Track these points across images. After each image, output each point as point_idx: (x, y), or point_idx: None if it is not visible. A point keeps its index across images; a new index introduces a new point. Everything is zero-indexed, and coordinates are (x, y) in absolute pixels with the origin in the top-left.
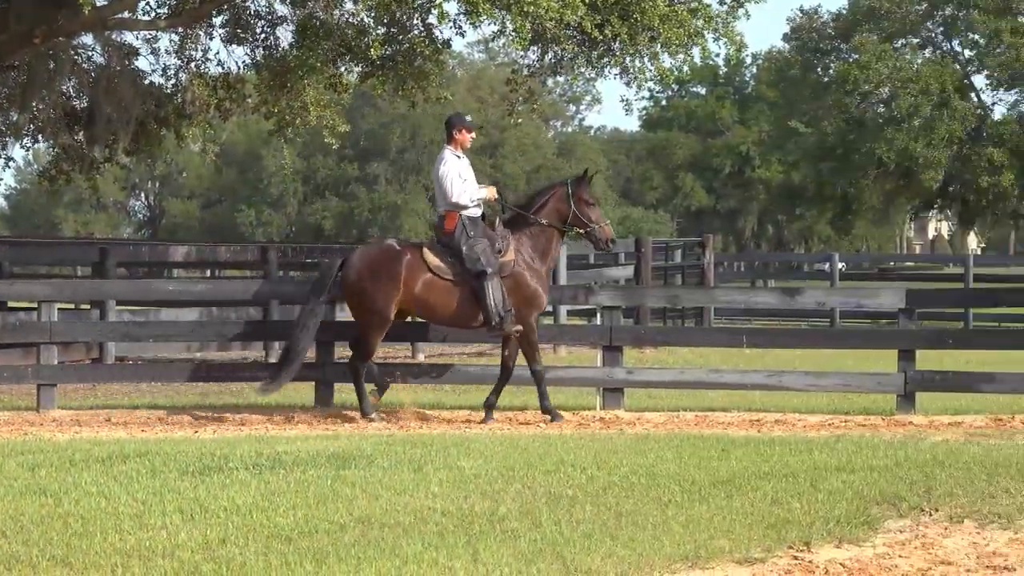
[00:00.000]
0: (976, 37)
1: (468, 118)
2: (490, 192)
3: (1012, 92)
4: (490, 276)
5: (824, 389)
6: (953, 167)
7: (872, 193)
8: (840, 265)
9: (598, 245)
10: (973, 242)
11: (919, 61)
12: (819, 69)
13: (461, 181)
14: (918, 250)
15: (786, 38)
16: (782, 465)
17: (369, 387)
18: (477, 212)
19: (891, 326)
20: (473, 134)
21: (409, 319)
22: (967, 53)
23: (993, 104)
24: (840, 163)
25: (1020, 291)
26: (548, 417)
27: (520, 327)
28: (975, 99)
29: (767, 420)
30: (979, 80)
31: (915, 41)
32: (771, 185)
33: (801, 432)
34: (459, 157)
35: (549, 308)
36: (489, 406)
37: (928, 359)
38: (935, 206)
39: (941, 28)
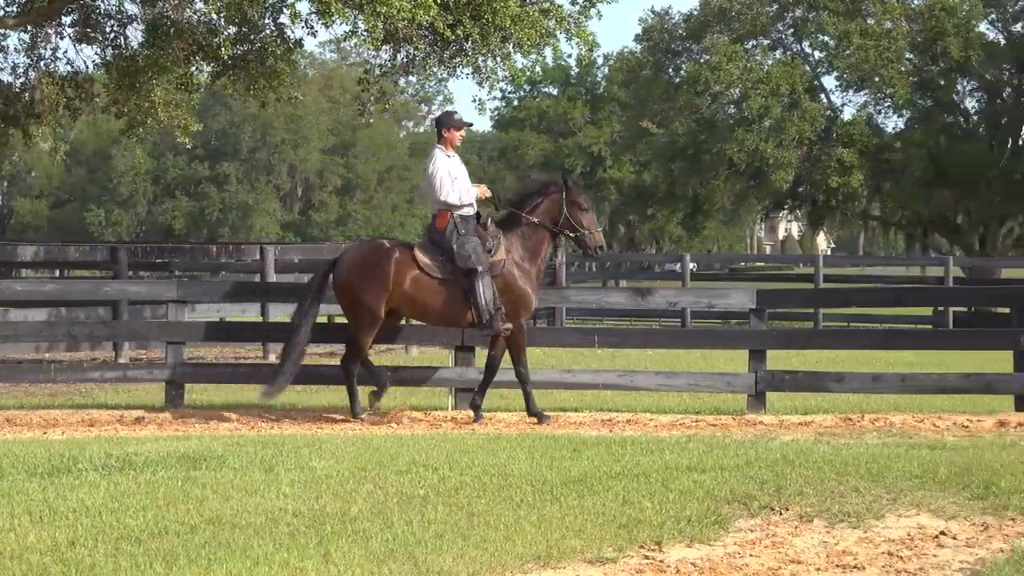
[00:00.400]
0: (826, 39)
1: (457, 116)
2: (481, 190)
3: (861, 93)
4: (480, 274)
5: (675, 389)
6: (803, 168)
7: (723, 193)
8: (691, 265)
9: (587, 251)
10: (823, 242)
11: (769, 62)
12: (670, 70)
13: (451, 179)
14: (768, 250)
15: (638, 39)
16: (634, 465)
17: (369, 388)
18: (470, 211)
19: (742, 326)
20: (462, 132)
21: (404, 321)
22: (817, 55)
23: (843, 105)
24: (691, 163)
25: (869, 291)
26: (535, 420)
27: (510, 326)
28: (825, 100)
29: (619, 420)
30: (829, 81)
31: (765, 42)
32: (622, 185)
33: (653, 432)
34: (449, 156)
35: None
36: (475, 406)
37: (779, 359)
38: (785, 206)
39: (791, 30)
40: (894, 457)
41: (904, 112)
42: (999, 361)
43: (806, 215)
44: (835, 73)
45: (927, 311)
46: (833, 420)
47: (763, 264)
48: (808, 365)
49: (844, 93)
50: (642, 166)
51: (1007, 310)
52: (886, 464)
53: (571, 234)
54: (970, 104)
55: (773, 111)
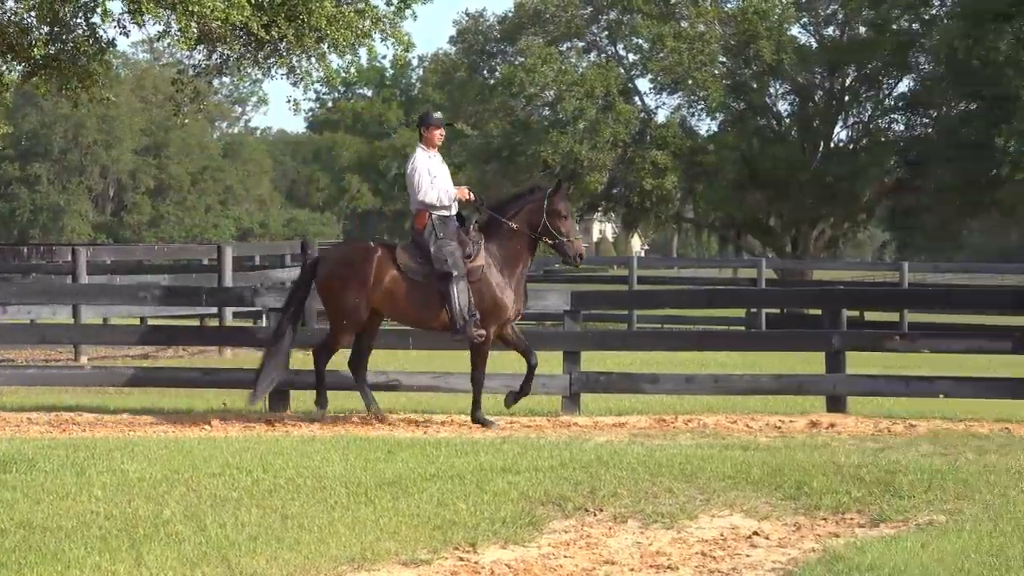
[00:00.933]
0: (640, 42)
1: (437, 114)
2: (461, 192)
3: (675, 96)
4: (456, 279)
5: (491, 390)
6: (617, 170)
7: None
8: None
9: (566, 259)
10: (637, 244)
11: (584, 65)
12: (485, 72)
13: (430, 179)
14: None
15: (452, 41)
16: (448, 466)
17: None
18: (450, 212)
19: (557, 328)
20: (441, 130)
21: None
22: (631, 57)
23: (657, 108)
24: (506, 165)
25: (682, 293)
26: (479, 426)
27: (483, 332)
28: (639, 102)
29: (434, 421)
30: (643, 84)
31: (580, 45)
32: None
33: (467, 433)
34: (430, 155)
35: (214, 310)
36: (479, 420)
37: (593, 360)
38: (600, 208)
39: (606, 32)
40: (707, 458)
41: (717, 115)
42: (810, 362)
43: (620, 217)
44: (649, 76)
45: (740, 312)
46: (647, 421)
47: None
48: (622, 367)
49: (658, 95)
50: (456, 168)
51: (819, 311)
52: (699, 465)
53: (550, 241)
54: (782, 107)
55: (588, 113)
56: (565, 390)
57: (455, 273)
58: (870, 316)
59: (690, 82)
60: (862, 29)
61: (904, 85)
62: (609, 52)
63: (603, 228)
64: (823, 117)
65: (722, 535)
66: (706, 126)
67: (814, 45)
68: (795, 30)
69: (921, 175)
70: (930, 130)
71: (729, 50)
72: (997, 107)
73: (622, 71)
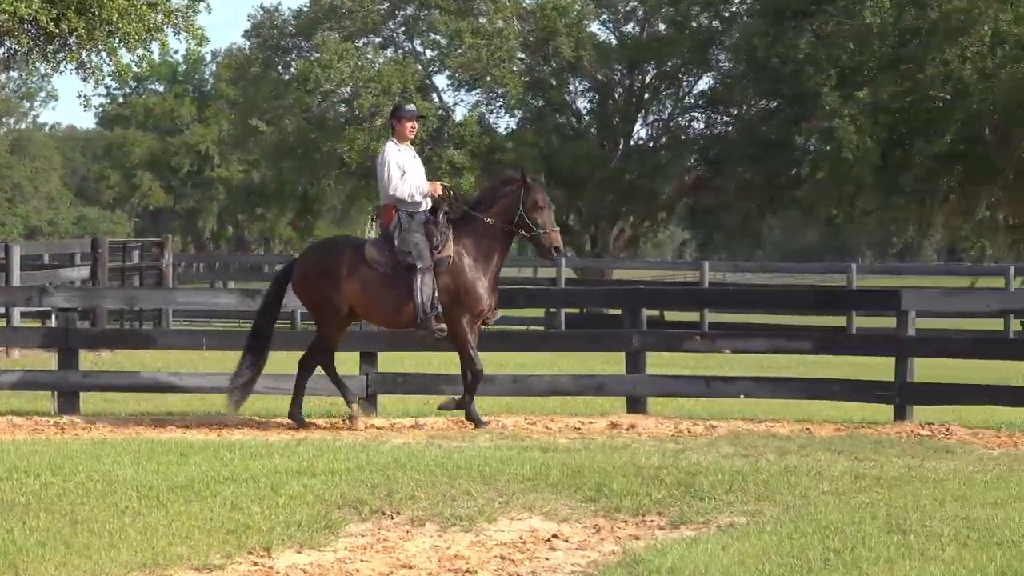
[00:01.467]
0: (438, 37)
1: (410, 107)
2: (434, 187)
3: (473, 93)
4: (421, 271)
5: (286, 392)
6: None
7: (334, 193)
8: None
9: (542, 252)
10: None
11: (381, 61)
12: (280, 67)
13: (400, 172)
14: None
15: (247, 35)
16: (242, 469)
17: (354, 402)
18: (422, 207)
19: (352, 327)
20: (414, 123)
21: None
22: (429, 53)
23: (455, 105)
24: (301, 162)
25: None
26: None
27: (444, 327)
28: (437, 99)
29: (229, 423)
30: (441, 80)
31: (377, 40)
32: (232, 184)
33: (261, 435)
34: (400, 148)
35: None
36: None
37: (391, 361)
38: None
39: (403, 28)
40: (506, 460)
41: (516, 112)
42: (610, 362)
43: None
44: (447, 72)
45: (539, 312)
46: (445, 422)
47: None
48: (421, 367)
49: (456, 92)
50: (251, 165)
51: (619, 311)
52: (498, 467)
53: (526, 234)
54: (582, 104)
55: (385, 110)
56: (362, 391)
57: (419, 265)
58: (670, 316)
59: (488, 79)
60: (662, 26)
61: (704, 83)
62: (406, 48)
63: None
64: (623, 114)
65: (521, 538)
66: (505, 124)
67: (614, 42)
68: (595, 27)
69: (721, 173)
70: (730, 128)
71: (528, 46)
72: (797, 105)
73: (419, 67)
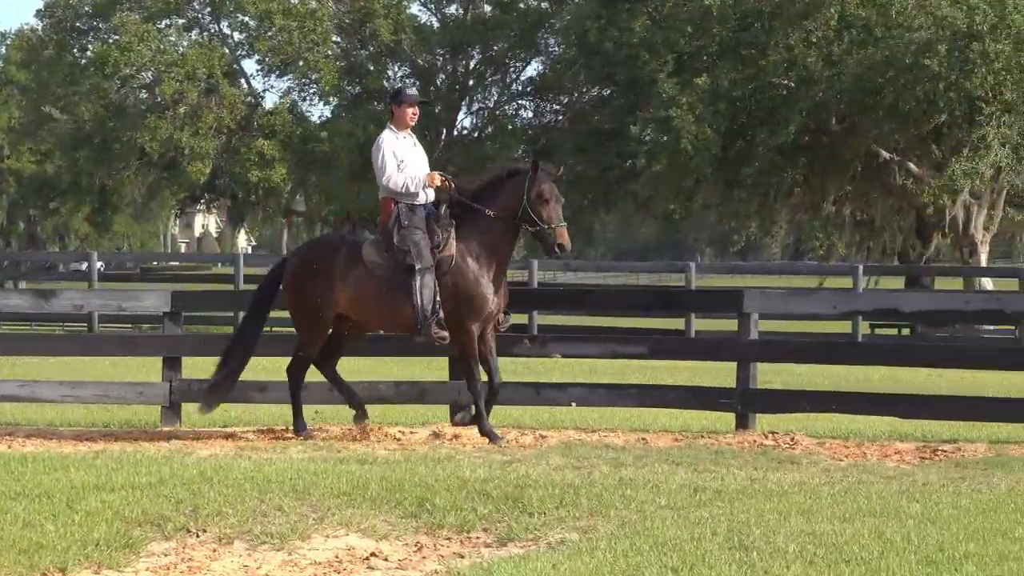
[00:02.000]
0: (246, 19)
1: (410, 91)
2: (432, 178)
3: (284, 79)
4: (420, 272)
5: (82, 400)
6: (221, 159)
7: (134, 186)
8: (99, 264)
9: (546, 249)
10: (243, 240)
11: (185, 44)
12: (76, 50)
13: (396, 162)
14: (184, 248)
15: (39, 15)
16: (35, 484)
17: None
18: (421, 199)
19: (155, 331)
20: (415, 108)
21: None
22: (237, 36)
23: (265, 91)
24: (98, 153)
25: None
26: (487, 439)
27: (445, 334)
28: (246, 85)
29: (19, 434)
30: (250, 65)
31: (181, 22)
32: (22, 177)
33: (56, 447)
34: (399, 136)
35: None
36: (486, 433)
37: (197, 367)
38: (202, 201)
39: (209, 8)
40: (321, 473)
41: (331, 99)
42: (431, 368)
43: (225, 211)
44: (256, 56)
45: None
46: (256, 432)
47: (178, 263)
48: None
49: (266, 78)
50: (44, 156)
51: None
52: (312, 480)
53: (531, 229)
54: None
55: (189, 97)
56: (164, 399)
57: (418, 265)
58: None
59: (301, 64)
60: (487, 8)
61: (532, 68)
62: (212, 30)
63: (206, 223)
64: (446, 102)
65: (337, 557)
66: (319, 112)
67: (435, 24)
68: (415, 8)
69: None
70: (560, 117)
71: (343, 29)
72: (632, 93)
73: (227, 51)
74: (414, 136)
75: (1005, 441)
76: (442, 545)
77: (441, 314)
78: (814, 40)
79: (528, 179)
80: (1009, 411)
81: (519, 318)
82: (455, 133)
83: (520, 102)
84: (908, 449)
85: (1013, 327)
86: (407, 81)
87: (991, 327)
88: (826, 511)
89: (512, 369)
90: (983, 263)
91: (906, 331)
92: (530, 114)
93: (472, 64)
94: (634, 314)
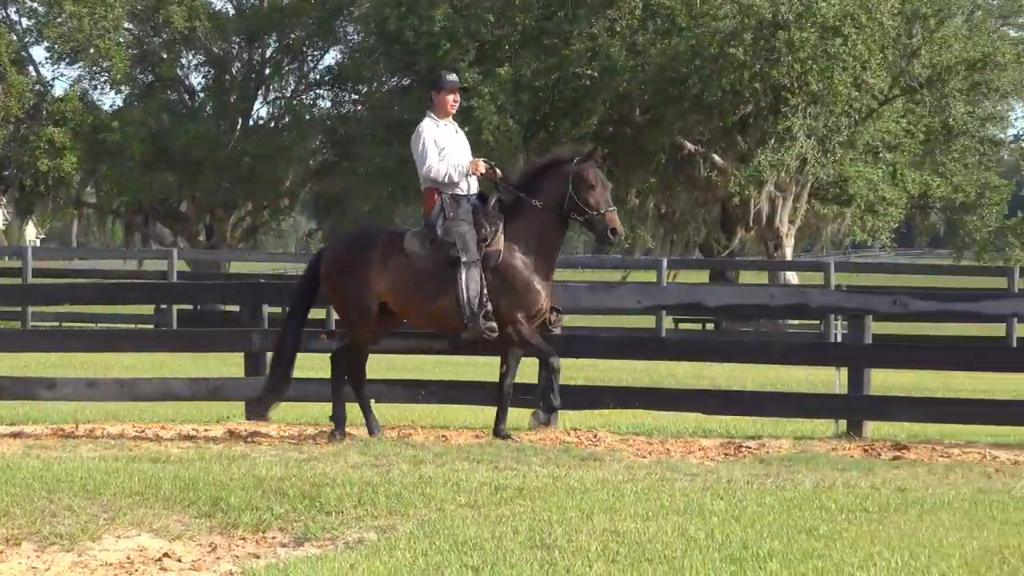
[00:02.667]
0: (35, 5)
1: (451, 76)
2: (474, 165)
3: (75, 67)
4: (466, 265)
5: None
6: (9, 149)
7: None
8: None
9: (599, 237)
10: (32, 232)
11: None
12: None
13: (437, 150)
14: None
15: None
16: None
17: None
18: (464, 189)
19: None
20: (456, 95)
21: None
22: (25, 22)
23: (54, 79)
24: None
25: (84, 287)
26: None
27: (494, 325)
28: (34, 73)
29: None
30: (38, 52)
31: None
32: None
33: None
34: (439, 124)
35: None
36: (500, 434)
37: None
38: None
39: None
40: (112, 472)
41: (122, 88)
42: (228, 364)
43: (13, 202)
44: (45, 43)
45: (149, 309)
46: (44, 431)
47: None
48: (16, 370)
49: (55, 66)
50: None
51: (237, 308)
52: (103, 480)
53: (579, 218)
54: (196, 80)
55: None
56: None
57: (464, 259)
58: None
59: (92, 51)
60: None
61: (331, 57)
62: (0, 16)
63: None
64: (241, 91)
65: (129, 558)
66: (110, 100)
67: (231, 11)
68: None
69: (350, 157)
70: (360, 107)
71: (136, 16)
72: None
73: (14, 38)
74: (455, 124)
75: (810, 437)
76: (237, 545)
77: (489, 307)
78: (618, 30)
79: (571, 166)
80: (816, 406)
81: (318, 313)
82: (251, 123)
83: (318, 91)
84: (712, 445)
85: (818, 321)
86: (203, 69)
87: (796, 322)
88: (629, 509)
89: (310, 365)
90: (788, 257)
91: (710, 326)
92: (328, 104)
93: (269, 52)
94: None
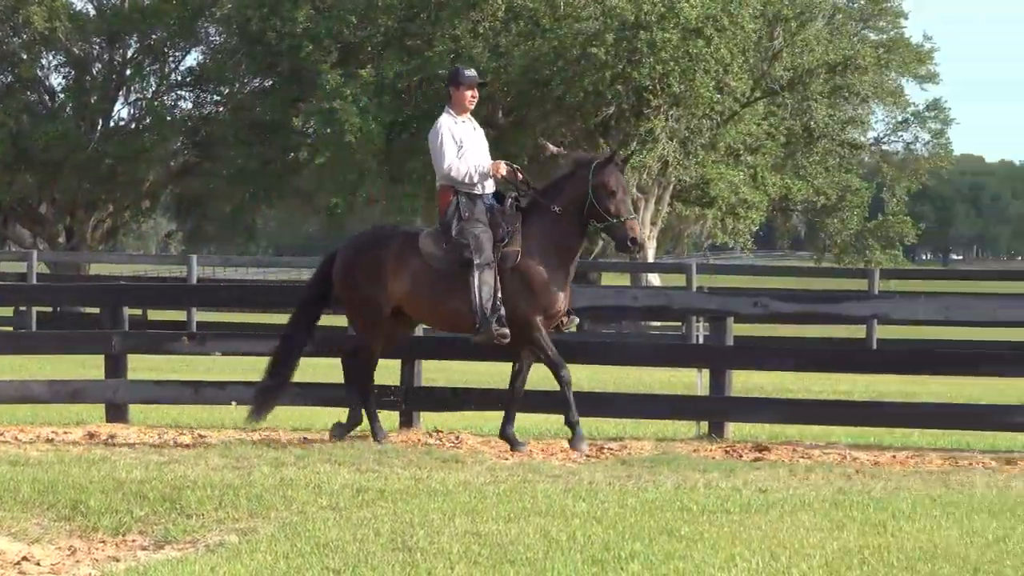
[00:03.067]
0: None
1: (469, 72)
2: (495, 166)
3: None
4: (479, 267)
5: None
6: None
7: None
8: None
9: (619, 245)
10: None
11: None
12: None
13: (456, 147)
14: None
15: None
16: None
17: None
18: (482, 189)
19: None
20: (474, 91)
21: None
22: None
23: None
24: None
25: None
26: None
27: (507, 331)
28: None
29: None
30: None
31: None
32: None
33: None
34: (457, 120)
35: None
36: (508, 439)
37: None
38: None
39: None
40: None
41: None
42: (88, 366)
43: None
44: None
45: (8, 311)
46: None
47: None
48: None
49: None
50: None
51: (97, 310)
52: None
53: (599, 224)
54: (56, 81)
55: None
56: None
57: (477, 260)
58: (155, 315)
59: None
60: None
61: (192, 58)
62: None
63: None
64: (102, 92)
65: None
66: None
67: (92, 12)
68: None
69: (210, 158)
70: (221, 109)
71: None
72: (295, 84)
73: None
74: (474, 120)
75: (671, 438)
76: (97, 548)
77: (503, 311)
78: (481, 31)
79: (592, 170)
80: (678, 408)
81: (178, 315)
82: (111, 124)
83: (179, 92)
84: None
85: (680, 323)
86: (63, 70)
87: (658, 323)
88: (491, 511)
89: (170, 367)
90: (650, 259)
91: None
92: (190, 105)
93: (130, 53)
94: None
